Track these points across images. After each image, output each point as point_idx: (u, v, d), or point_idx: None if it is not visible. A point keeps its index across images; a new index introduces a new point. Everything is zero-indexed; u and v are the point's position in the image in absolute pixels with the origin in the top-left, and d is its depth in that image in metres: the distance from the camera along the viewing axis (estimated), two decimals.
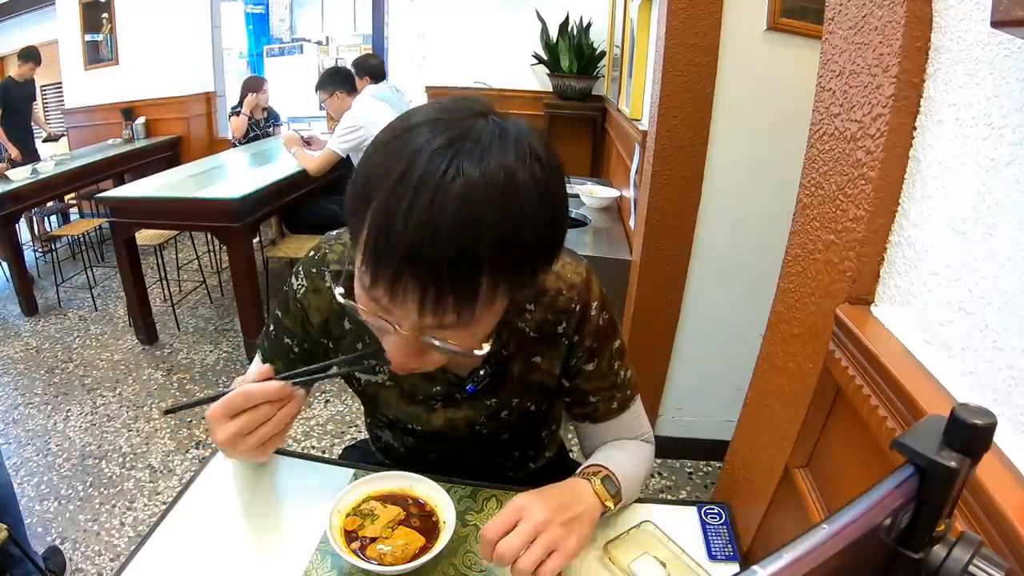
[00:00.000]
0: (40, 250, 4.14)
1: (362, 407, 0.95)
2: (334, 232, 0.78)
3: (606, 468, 0.74)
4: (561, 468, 1.04)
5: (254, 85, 4.15)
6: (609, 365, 0.78)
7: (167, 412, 0.64)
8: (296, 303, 0.77)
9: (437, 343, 0.52)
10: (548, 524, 0.62)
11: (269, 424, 0.62)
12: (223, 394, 0.62)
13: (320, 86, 3.11)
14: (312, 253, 0.76)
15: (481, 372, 0.75)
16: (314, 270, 0.75)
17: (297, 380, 0.65)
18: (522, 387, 0.78)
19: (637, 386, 0.82)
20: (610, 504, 0.70)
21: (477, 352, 0.55)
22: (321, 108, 3.48)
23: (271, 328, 0.81)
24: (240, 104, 4.11)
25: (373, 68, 3.10)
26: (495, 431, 0.83)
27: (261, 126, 4.16)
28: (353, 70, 3.13)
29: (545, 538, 0.61)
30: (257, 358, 0.84)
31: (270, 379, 0.63)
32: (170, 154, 4.71)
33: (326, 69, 3.26)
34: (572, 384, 0.79)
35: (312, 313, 0.76)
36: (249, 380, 0.64)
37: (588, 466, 0.76)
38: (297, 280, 0.76)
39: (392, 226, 0.46)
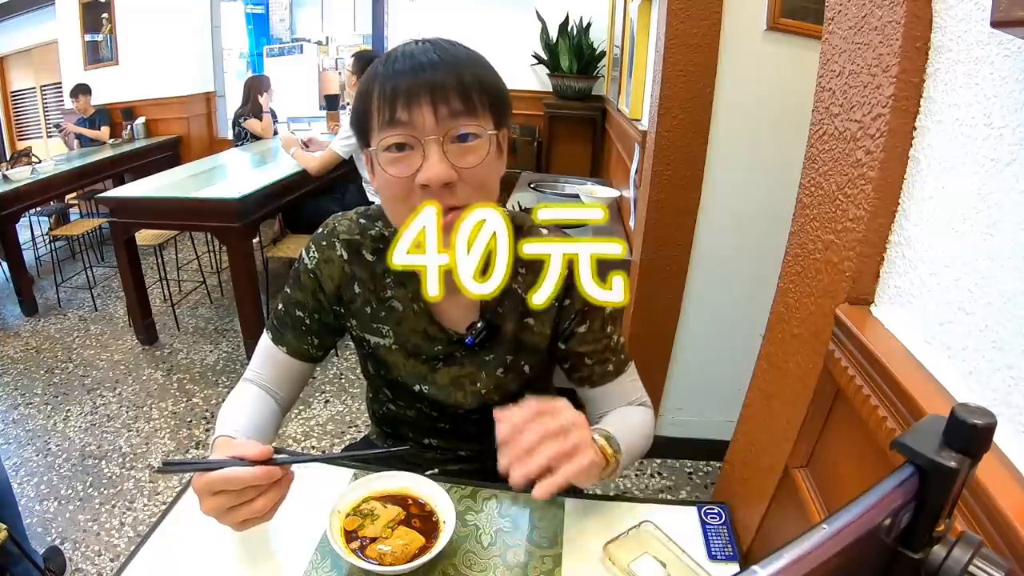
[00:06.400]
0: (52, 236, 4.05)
1: (360, 403, 0.97)
2: (339, 212, 0.85)
3: (607, 431, 0.73)
4: None
5: (262, 85, 4.14)
6: (602, 328, 0.82)
7: (160, 471, 0.64)
8: (308, 275, 0.83)
9: (461, 129, 0.66)
10: (579, 427, 0.61)
11: (247, 509, 0.62)
12: (219, 464, 0.62)
13: (356, 64, 3.02)
14: (321, 229, 0.84)
15: (479, 324, 0.81)
16: (324, 242, 0.83)
17: (292, 460, 0.65)
18: (515, 345, 0.83)
19: (629, 354, 0.87)
20: (611, 457, 0.69)
21: (490, 131, 0.69)
22: (340, 88, 3.39)
23: (280, 307, 0.86)
24: (245, 106, 4.10)
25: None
26: (494, 391, 0.85)
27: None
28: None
29: (575, 436, 0.60)
30: (265, 339, 0.87)
31: (269, 459, 0.63)
32: (170, 154, 4.71)
33: (365, 57, 3.14)
34: (567, 347, 0.83)
35: (325, 282, 0.83)
36: (249, 450, 0.63)
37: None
38: (308, 254, 0.83)
39: (395, 69, 0.66)
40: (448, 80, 0.65)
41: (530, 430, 0.59)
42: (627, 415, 0.85)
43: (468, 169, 0.67)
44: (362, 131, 0.71)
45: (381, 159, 0.68)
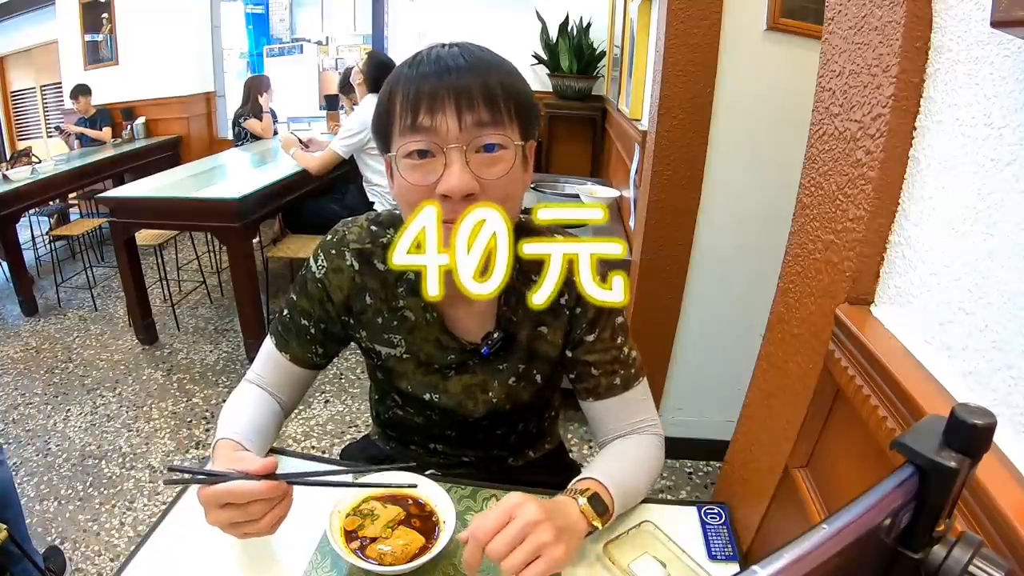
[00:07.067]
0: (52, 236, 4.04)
1: (361, 403, 0.97)
2: (349, 218, 0.82)
3: (598, 482, 0.72)
4: (559, 465, 1.05)
5: (262, 85, 4.14)
6: (612, 338, 0.80)
7: (167, 481, 0.64)
8: (316, 284, 0.81)
9: (486, 139, 0.64)
10: (538, 525, 0.60)
11: (253, 526, 0.62)
12: (225, 476, 0.62)
13: (368, 65, 2.92)
14: (330, 236, 0.81)
15: (495, 335, 0.79)
16: (333, 251, 0.80)
17: (297, 481, 0.66)
18: (529, 354, 0.81)
19: (643, 370, 0.84)
20: (597, 523, 0.68)
21: (516, 142, 0.66)
22: (347, 90, 3.38)
23: (285, 313, 0.84)
24: (245, 106, 4.10)
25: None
26: (505, 400, 0.84)
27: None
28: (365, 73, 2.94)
29: (534, 539, 0.59)
30: (268, 343, 0.85)
31: (271, 474, 0.63)
32: (170, 154, 4.72)
33: (377, 59, 3.00)
34: (575, 355, 0.81)
35: (334, 291, 0.80)
36: (252, 465, 0.63)
37: (580, 479, 0.74)
38: (316, 262, 0.81)
39: (420, 72, 0.64)
40: (474, 86, 0.63)
41: (492, 544, 0.58)
42: (630, 451, 0.81)
43: (491, 181, 0.65)
44: (383, 135, 0.68)
45: (401, 165, 0.65)
